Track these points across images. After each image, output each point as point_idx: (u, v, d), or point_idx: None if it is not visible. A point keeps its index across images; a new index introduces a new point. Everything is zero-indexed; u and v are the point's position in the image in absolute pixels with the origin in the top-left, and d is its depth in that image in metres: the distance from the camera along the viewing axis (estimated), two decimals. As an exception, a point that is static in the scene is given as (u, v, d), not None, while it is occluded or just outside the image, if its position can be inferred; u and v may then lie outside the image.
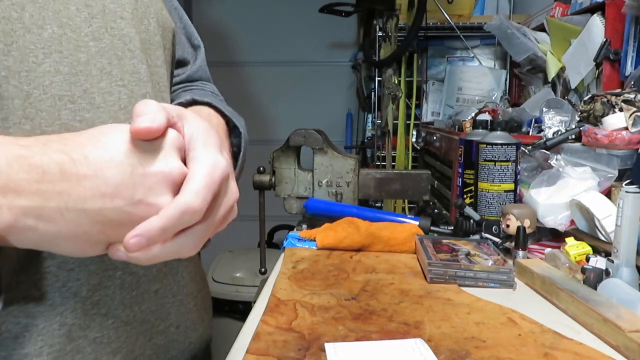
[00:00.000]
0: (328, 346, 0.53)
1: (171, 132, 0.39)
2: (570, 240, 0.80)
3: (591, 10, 1.32)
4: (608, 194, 0.88)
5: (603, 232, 0.81)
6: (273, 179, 1.10)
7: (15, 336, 0.47)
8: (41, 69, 0.46)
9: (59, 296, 0.47)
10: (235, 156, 0.64)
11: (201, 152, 0.39)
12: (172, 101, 0.69)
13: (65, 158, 0.34)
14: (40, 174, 0.33)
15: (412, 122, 2.24)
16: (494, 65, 2.25)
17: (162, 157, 0.37)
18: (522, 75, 1.85)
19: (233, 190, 0.42)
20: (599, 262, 0.72)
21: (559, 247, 0.81)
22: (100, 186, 0.34)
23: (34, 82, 0.46)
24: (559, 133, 1.11)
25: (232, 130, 0.65)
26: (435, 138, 1.59)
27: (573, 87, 1.41)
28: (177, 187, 0.37)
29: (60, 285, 0.47)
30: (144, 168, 0.36)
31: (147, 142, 0.37)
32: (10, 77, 0.44)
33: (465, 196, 1.04)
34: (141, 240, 0.35)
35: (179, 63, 0.72)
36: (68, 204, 0.33)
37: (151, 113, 0.37)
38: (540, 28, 1.65)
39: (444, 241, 0.85)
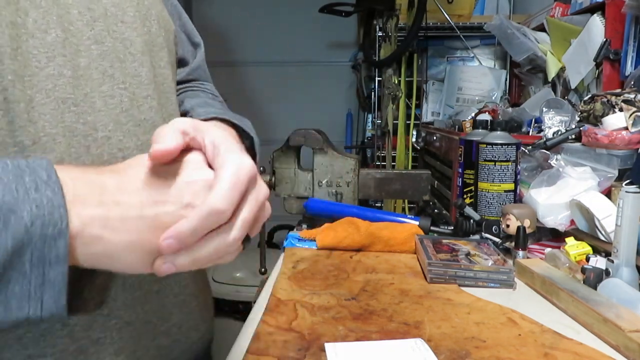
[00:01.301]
0: (328, 346, 0.53)
1: (196, 153, 0.42)
2: (570, 240, 0.80)
3: (591, 10, 1.32)
4: (608, 194, 0.88)
5: (603, 232, 0.81)
6: (273, 179, 1.10)
7: (18, 337, 0.46)
8: (44, 73, 0.47)
9: None
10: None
11: (225, 156, 0.41)
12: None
13: (119, 177, 0.38)
14: (99, 188, 0.37)
15: (412, 122, 2.24)
16: (494, 65, 2.25)
17: (199, 167, 0.41)
18: (522, 75, 1.85)
19: (262, 189, 0.43)
20: (599, 262, 0.72)
21: (559, 247, 0.81)
22: (153, 195, 0.38)
23: (36, 86, 0.46)
24: (559, 133, 1.11)
25: (241, 134, 0.65)
26: (435, 138, 1.59)
27: (573, 87, 1.41)
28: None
29: None
30: (187, 177, 0.40)
31: (185, 158, 0.41)
32: (16, 80, 0.45)
33: (465, 196, 1.04)
34: (172, 242, 0.37)
35: (179, 62, 0.72)
36: (129, 212, 0.37)
37: (166, 136, 0.40)
38: (540, 28, 1.65)
39: (444, 241, 0.85)
